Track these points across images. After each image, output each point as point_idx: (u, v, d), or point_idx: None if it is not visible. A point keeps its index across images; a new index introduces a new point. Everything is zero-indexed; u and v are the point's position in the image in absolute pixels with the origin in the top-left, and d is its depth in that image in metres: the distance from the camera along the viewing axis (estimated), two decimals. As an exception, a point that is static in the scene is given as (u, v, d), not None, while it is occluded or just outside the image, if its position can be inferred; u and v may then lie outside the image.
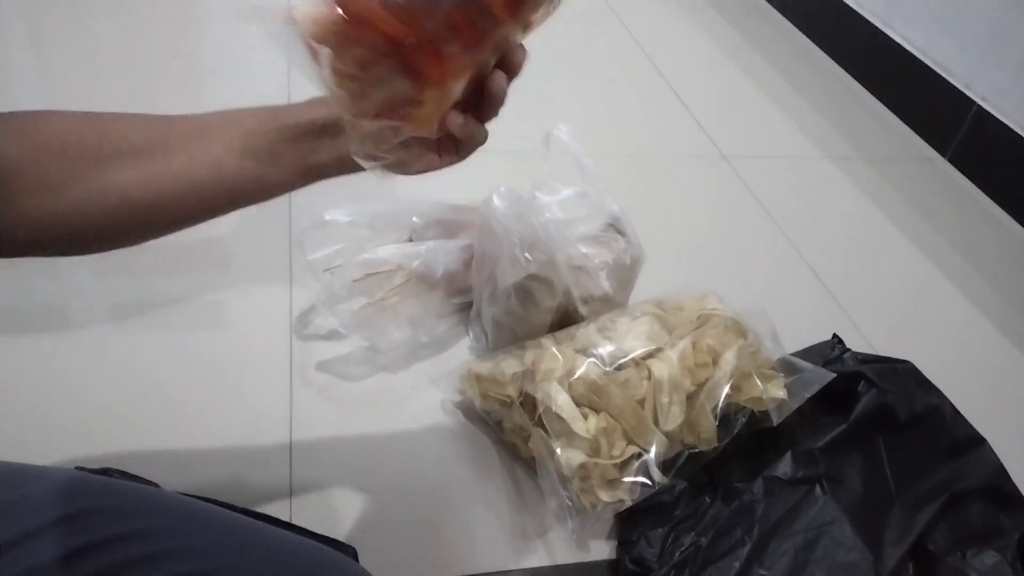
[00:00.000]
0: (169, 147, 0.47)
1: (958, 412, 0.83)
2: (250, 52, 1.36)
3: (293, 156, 0.51)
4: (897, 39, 1.63)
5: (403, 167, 0.51)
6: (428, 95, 0.45)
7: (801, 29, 1.91)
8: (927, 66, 1.56)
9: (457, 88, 0.46)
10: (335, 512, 0.72)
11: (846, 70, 1.76)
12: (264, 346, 0.86)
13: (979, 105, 1.45)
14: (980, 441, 0.81)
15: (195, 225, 0.51)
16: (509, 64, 0.48)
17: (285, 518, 0.69)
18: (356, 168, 0.51)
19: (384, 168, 0.49)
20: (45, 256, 0.48)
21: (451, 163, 0.52)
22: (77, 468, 0.58)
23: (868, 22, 1.70)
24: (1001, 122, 1.41)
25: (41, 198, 0.43)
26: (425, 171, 0.51)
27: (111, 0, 1.45)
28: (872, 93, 1.70)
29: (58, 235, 0.46)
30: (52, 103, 1.17)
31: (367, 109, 0.45)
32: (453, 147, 0.51)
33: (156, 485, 0.60)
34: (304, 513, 0.71)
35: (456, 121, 0.48)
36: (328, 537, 0.62)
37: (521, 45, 0.48)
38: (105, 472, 0.61)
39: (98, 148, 0.45)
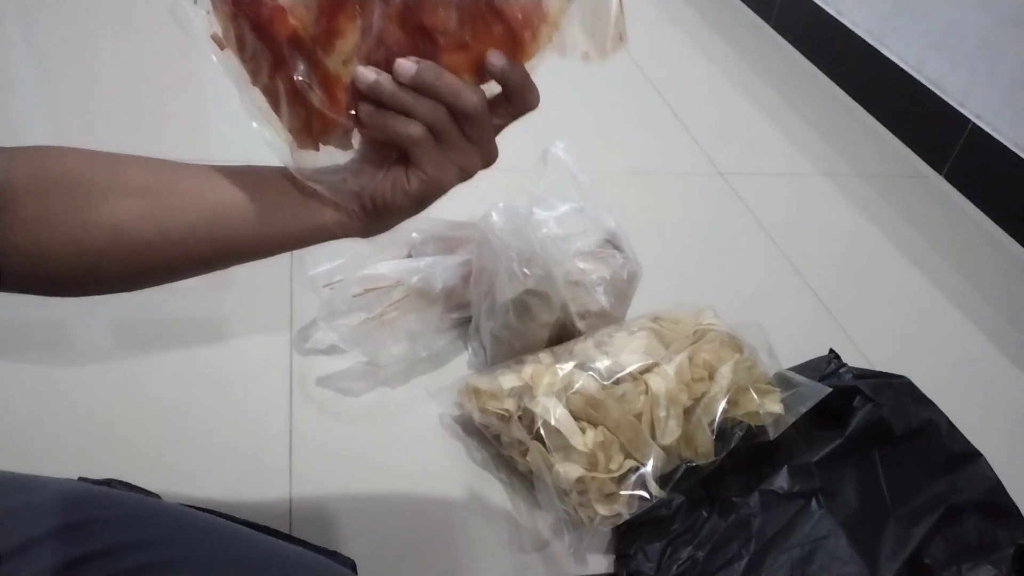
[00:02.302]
0: (176, 187, 0.45)
1: (954, 426, 0.83)
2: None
3: (299, 205, 0.46)
4: (892, 57, 1.65)
5: (358, 182, 0.44)
6: (295, 58, 0.40)
7: (797, 47, 1.93)
8: (921, 84, 1.57)
9: (337, 58, 0.40)
10: (334, 525, 0.72)
11: (841, 88, 1.78)
12: (265, 360, 0.86)
13: (973, 123, 1.46)
14: (976, 455, 0.81)
15: (185, 277, 0.48)
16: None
17: (284, 531, 0.69)
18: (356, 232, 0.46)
19: (336, 194, 0.44)
20: (35, 294, 0.45)
21: (426, 188, 0.43)
22: (80, 479, 0.59)
23: (863, 40, 1.72)
24: (995, 139, 1.42)
25: (38, 228, 0.42)
26: (392, 200, 0.43)
27: (113, 19, 1.47)
28: (867, 110, 1.71)
29: (48, 270, 0.43)
30: (54, 122, 1.19)
31: (261, 86, 0.42)
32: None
33: (157, 496, 0.60)
34: (303, 526, 0.71)
35: (365, 109, 0.41)
36: (327, 549, 0.62)
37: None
38: (108, 483, 0.62)
39: (106, 185, 0.44)
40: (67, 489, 0.51)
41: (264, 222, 0.45)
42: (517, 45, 0.41)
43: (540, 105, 0.43)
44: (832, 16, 1.80)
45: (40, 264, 0.42)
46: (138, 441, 0.75)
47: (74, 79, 1.29)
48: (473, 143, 0.42)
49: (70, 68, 1.32)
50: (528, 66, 0.42)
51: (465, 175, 0.43)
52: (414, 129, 0.41)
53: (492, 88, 0.42)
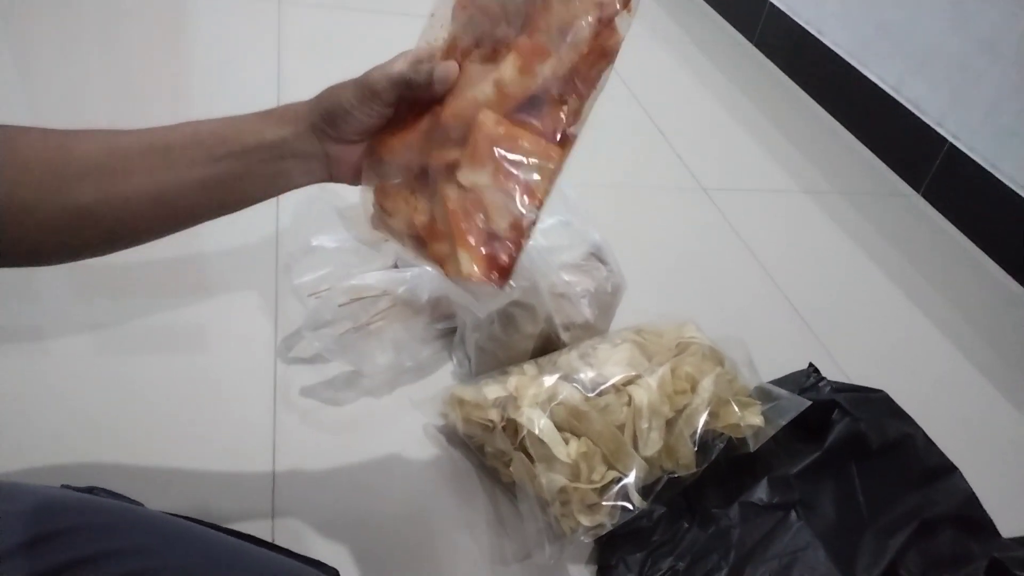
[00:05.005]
0: (131, 164, 0.48)
1: (930, 440, 0.84)
2: (240, 62, 1.38)
3: (259, 179, 0.52)
4: (872, 78, 1.68)
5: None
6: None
7: (779, 66, 1.96)
8: (901, 104, 1.61)
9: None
10: (317, 535, 0.72)
11: (822, 106, 1.81)
12: (249, 369, 0.86)
13: (951, 143, 1.49)
14: (951, 469, 0.83)
15: (160, 238, 0.52)
16: None
17: (267, 540, 0.69)
18: (326, 179, 0.54)
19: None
20: (7, 267, 0.48)
21: None
22: (63, 486, 0.59)
23: (844, 61, 1.75)
24: (971, 159, 1.45)
25: (7, 216, 0.44)
26: None
27: (99, 11, 1.46)
28: (848, 129, 1.74)
29: (24, 250, 0.47)
30: (38, 114, 1.18)
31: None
32: None
33: (140, 504, 0.60)
34: (286, 535, 0.71)
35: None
36: (311, 558, 0.62)
37: None
38: (90, 491, 0.61)
39: (62, 167, 0.46)
40: (50, 496, 0.51)
41: (223, 196, 0.51)
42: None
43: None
44: (814, 36, 1.84)
45: (13, 245, 0.46)
46: (121, 449, 0.74)
47: (59, 80, 1.29)
48: None
49: (55, 69, 1.31)
50: None
51: None
52: None
53: None
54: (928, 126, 1.54)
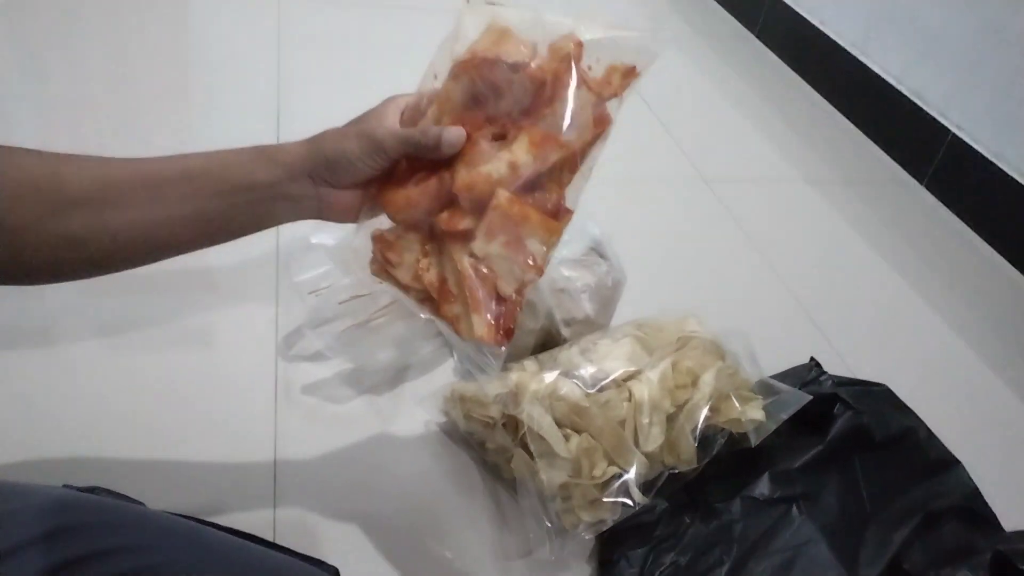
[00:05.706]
0: (121, 197, 0.49)
1: (932, 434, 0.84)
2: (241, 78, 1.38)
3: (247, 217, 0.53)
4: (874, 68, 1.67)
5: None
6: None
7: (781, 57, 1.95)
8: (903, 94, 1.60)
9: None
10: (318, 532, 0.72)
11: (825, 97, 1.80)
12: (250, 367, 0.86)
13: (954, 133, 1.49)
14: (954, 462, 0.82)
15: (144, 265, 0.53)
16: None
17: (268, 538, 0.69)
18: (315, 218, 0.55)
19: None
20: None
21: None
22: (65, 486, 0.59)
23: (846, 51, 1.74)
24: (975, 149, 1.44)
25: None
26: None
27: (103, 26, 1.46)
28: (850, 120, 1.73)
29: (10, 272, 0.48)
30: (45, 131, 1.18)
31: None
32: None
33: (141, 504, 0.60)
34: (287, 533, 0.71)
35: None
36: (311, 557, 0.62)
37: None
38: (92, 490, 0.61)
39: (54, 194, 0.47)
40: (51, 496, 0.51)
41: (212, 232, 0.52)
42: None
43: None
44: (815, 26, 1.83)
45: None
46: (122, 448, 0.75)
47: (63, 78, 1.29)
48: None
49: (59, 67, 1.31)
50: None
51: None
52: None
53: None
54: (931, 116, 1.53)
